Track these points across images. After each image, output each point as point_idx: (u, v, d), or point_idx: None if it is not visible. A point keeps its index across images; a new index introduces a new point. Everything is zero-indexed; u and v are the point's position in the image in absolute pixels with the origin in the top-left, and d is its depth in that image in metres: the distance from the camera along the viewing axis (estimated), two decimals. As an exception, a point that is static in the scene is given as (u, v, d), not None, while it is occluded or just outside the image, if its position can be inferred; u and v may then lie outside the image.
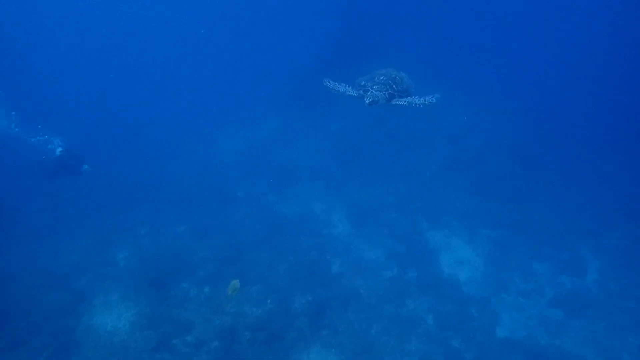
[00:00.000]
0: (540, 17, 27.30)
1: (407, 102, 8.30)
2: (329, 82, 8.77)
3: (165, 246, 14.09)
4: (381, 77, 8.22)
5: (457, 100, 20.91)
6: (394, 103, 8.18)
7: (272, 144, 19.87)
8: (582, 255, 13.79)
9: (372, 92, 8.12)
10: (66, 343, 10.88)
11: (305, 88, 21.75)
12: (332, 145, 18.75)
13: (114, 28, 31.84)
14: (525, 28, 27.33)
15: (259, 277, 12.47)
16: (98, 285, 12.62)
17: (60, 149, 14.70)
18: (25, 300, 12.14)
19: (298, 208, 15.99)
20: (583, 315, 12.00)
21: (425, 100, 8.51)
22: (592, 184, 16.14)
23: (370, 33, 26.94)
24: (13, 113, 16.19)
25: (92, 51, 29.91)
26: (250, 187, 17.27)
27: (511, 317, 12.00)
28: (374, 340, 11.01)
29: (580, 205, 15.42)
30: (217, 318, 11.26)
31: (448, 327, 11.50)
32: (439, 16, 27.81)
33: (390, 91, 8.09)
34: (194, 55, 30.67)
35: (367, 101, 8.05)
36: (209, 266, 12.90)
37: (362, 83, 8.45)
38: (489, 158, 17.27)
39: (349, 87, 8.75)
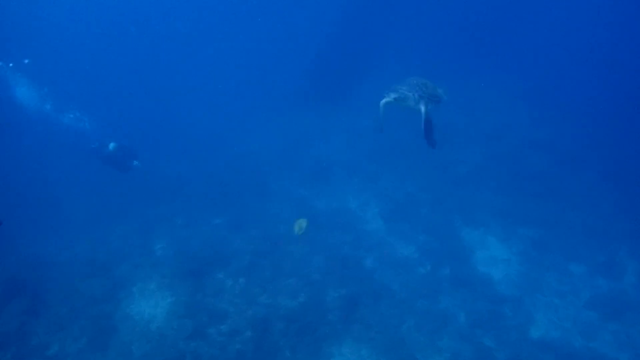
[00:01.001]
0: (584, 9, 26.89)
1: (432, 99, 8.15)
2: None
3: (202, 237, 14.32)
4: (412, 81, 8.15)
5: (493, 97, 20.74)
6: (423, 104, 8.03)
7: (307, 140, 20.01)
8: (619, 257, 13.55)
9: (400, 89, 8.03)
10: (105, 328, 11.15)
11: (340, 85, 21.90)
12: (367, 142, 18.77)
13: (155, 31, 32.42)
14: (566, 20, 26.93)
15: (292, 270, 12.60)
16: (136, 273, 12.92)
17: (113, 144, 15.05)
18: (67, 286, 12.50)
19: (332, 203, 16.08)
20: (619, 318, 11.80)
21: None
22: (631, 184, 15.79)
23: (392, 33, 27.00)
24: (45, 89, 16.52)
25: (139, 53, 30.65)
26: (285, 181, 17.44)
27: (545, 317, 11.87)
28: (405, 336, 11.01)
29: (619, 206, 15.11)
30: (250, 308, 11.41)
31: (481, 325, 11.43)
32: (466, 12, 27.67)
33: (420, 93, 8.01)
34: (232, 55, 31.01)
35: (392, 96, 7.95)
36: (244, 258, 13.08)
37: (393, 87, 8.32)
38: (526, 155, 17.07)
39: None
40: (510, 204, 15.23)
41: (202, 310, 11.34)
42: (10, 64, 15.91)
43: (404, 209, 15.33)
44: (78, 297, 12.08)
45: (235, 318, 11.18)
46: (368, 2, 27.58)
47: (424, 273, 12.98)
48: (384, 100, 7.87)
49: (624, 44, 25.28)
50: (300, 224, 9.55)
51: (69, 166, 19.83)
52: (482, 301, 12.11)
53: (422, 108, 7.89)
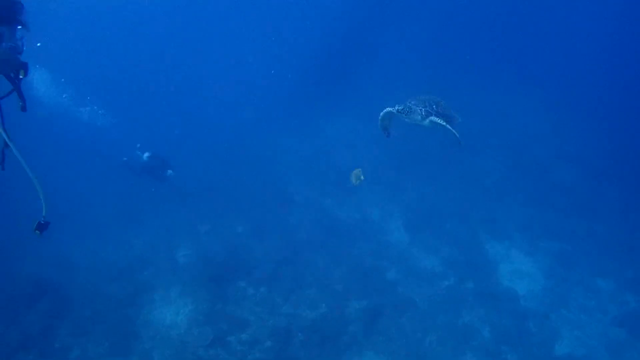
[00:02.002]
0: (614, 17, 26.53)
1: (442, 123, 7.90)
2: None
3: (224, 245, 14.32)
4: (423, 97, 8.00)
5: (518, 107, 20.50)
6: (428, 120, 7.82)
7: (329, 150, 19.95)
8: (648, 273, 13.28)
9: (407, 103, 7.88)
10: (127, 333, 11.23)
11: (363, 95, 21.86)
12: (390, 152, 18.63)
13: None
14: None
15: (314, 280, 12.55)
16: (159, 279, 12.99)
17: (147, 153, 15.18)
18: (90, 289, 12.62)
19: (355, 213, 16.00)
20: (648, 336, 11.55)
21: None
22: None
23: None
24: (62, 79, 16.54)
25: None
26: (307, 191, 17.39)
27: (571, 334, 11.64)
28: (427, 350, 10.88)
29: (647, 220, 14.83)
30: (271, 318, 11.39)
31: (505, 340, 11.24)
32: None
33: (427, 109, 7.82)
34: (258, 64, 31.11)
35: (396, 107, 7.82)
36: (266, 267, 13.04)
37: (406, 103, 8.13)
38: (552, 167, 16.84)
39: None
40: (536, 217, 15.02)
41: (223, 318, 11.34)
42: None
43: (428, 220, 15.19)
44: (101, 301, 12.17)
45: (255, 327, 11.16)
46: (389, 11, 27.65)
47: (448, 286, 12.82)
48: (386, 110, 7.78)
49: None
50: (357, 174, 9.38)
51: (96, 170, 20.09)
52: (507, 316, 11.91)
53: (427, 123, 7.74)
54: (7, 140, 4.36)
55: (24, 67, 4.41)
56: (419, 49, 28.11)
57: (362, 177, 9.36)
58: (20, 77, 4.42)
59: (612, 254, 13.77)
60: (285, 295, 12.05)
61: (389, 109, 7.78)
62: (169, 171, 15.13)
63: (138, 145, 15.46)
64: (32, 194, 4.91)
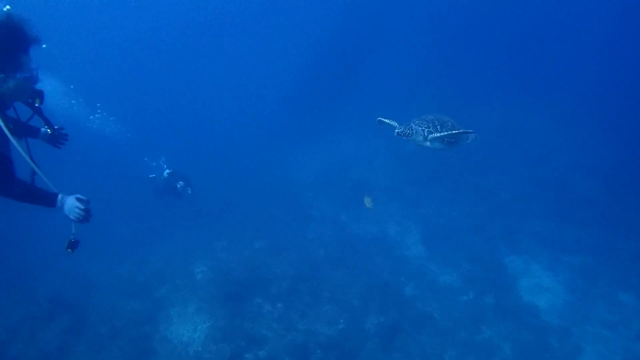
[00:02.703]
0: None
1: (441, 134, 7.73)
2: (382, 120, 8.29)
3: (242, 261, 14.28)
4: (429, 117, 7.86)
5: (535, 118, 20.32)
6: (429, 140, 7.67)
7: (346, 165, 19.93)
8: (673, 286, 12.98)
9: (411, 125, 7.75)
10: (144, 350, 11.20)
11: (378, 111, 21.81)
12: (407, 167, 18.55)
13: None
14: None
15: (332, 296, 12.44)
16: (176, 296, 12.97)
17: (168, 170, 15.26)
18: (108, 306, 12.65)
19: (372, 229, 15.90)
20: (674, 352, 11.27)
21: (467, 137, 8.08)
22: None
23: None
24: (72, 86, 16.59)
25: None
26: (324, 206, 17.36)
27: (594, 349, 11.37)
28: (447, 367, 10.75)
29: (672, 233, 14.52)
30: (289, 334, 11.29)
31: (526, 356, 11.02)
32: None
33: (430, 129, 7.66)
34: (274, 80, 31.28)
35: (396, 130, 7.71)
36: (283, 283, 12.97)
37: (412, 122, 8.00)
38: (572, 180, 16.61)
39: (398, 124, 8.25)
40: (557, 231, 14.79)
41: (240, 335, 11.26)
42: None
43: (446, 235, 15.04)
44: (118, 317, 12.18)
45: (273, 344, 11.06)
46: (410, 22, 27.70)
47: (467, 301, 12.64)
48: (396, 135, 7.66)
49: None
50: (368, 200, 9.43)
51: (114, 187, 20.23)
52: (528, 332, 11.69)
53: (429, 144, 7.61)
54: (35, 168, 4.54)
55: (40, 95, 4.58)
56: (433, 65, 28.16)
57: (370, 202, 9.43)
58: (36, 105, 4.58)
59: (635, 267, 13.46)
60: (303, 312, 11.96)
61: (397, 130, 7.69)
62: (188, 189, 15.18)
63: (163, 158, 15.55)
64: (50, 213, 5.00)
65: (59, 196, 4.67)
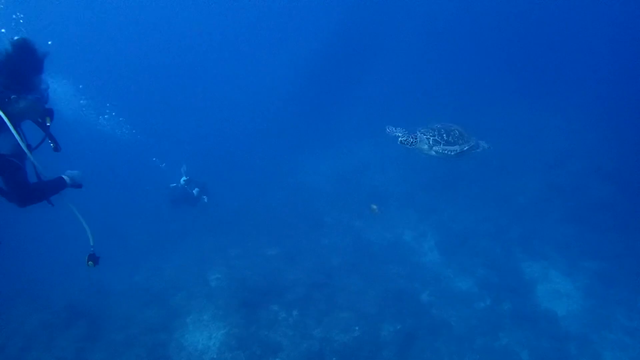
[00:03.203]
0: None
1: (448, 152, 7.60)
2: (389, 128, 8.19)
3: (256, 268, 14.28)
4: (436, 125, 7.74)
5: (552, 122, 20.13)
6: (434, 150, 7.55)
7: (360, 172, 19.92)
8: (695, 292, 12.75)
9: (416, 133, 7.63)
10: (159, 358, 11.18)
11: (393, 115, 21.77)
12: (422, 172, 18.47)
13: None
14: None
15: (347, 303, 12.35)
16: (191, 303, 12.96)
17: (185, 177, 15.30)
18: (123, 313, 12.69)
19: (387, 235, 15.84)
20: (696, 358, 11.06)
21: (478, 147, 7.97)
22: None
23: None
24: (80, 86, 16.57)
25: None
26: (338, 213, 17.35)
27: (614, 356, 11.18)
28: (464, 375, 10.63)
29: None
30: (304, 342, 11.22)
31: (545, 364, 10.91)
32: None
33: (436, 138, 7.51)
34: (286, 86, 31.32)
35: (399, 139, 7.63)
36: (298, 290, 12.93)
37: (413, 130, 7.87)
38: (590, 185, 16.39)
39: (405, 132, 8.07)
40: (574, 236, 14.61)
41: (256, 342, 11.21)
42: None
43: (462, 240, 14.93)
44: (134, 325, 12.20)
45: (288, 351, 11.00)
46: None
47: (484, 308, 12.51)
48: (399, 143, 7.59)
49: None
50: (374, 209, 9.35)
51: (129, 194, 20.36)
52: (546, 338, 11.53)
53: (433, 153, 7.51)
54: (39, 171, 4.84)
55: (50, 114, 4.90)
56: (447, 70, 28.06)
57: (376, 210, 9.35)
58: (47, 124, 4.89)
59: (655, 273, 13.31)
60: (318, 319, 11.88)
61: (401, 138, 7.62)
62: (204, 197, 15.17)
63: (184, 167, 15.58)
64: (68, 222, 5.10)
65: (65, 176, 5.24)
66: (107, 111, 17.06)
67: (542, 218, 15.36)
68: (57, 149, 5.09)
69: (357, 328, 11.54)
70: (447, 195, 17.09)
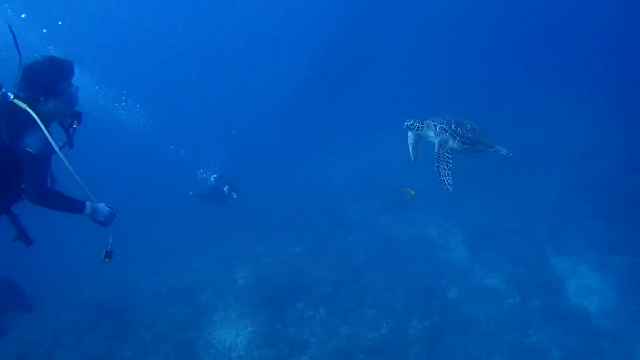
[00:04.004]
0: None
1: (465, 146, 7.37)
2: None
3: (282, 266, 14.32)
4: (449, 116, 7.54)
5: (581, 114, 19.78)
6: (437, 141, 7.33)
7: (383, 167, 19.79)
8: None
9: (426, 121, 7.46)
10: (188, 355, 11.26)
11: (413, 111, 21.62)
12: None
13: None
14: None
15: (374, 300, 12.30)
16: (218, 301, 13.06)
17: (215, 175, 15.35)
18: (151, 311, 12.84)
19: (413, 231, 15.71)
20: None
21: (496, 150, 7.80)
22: None
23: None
24: (95, 70, 16.57)
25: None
26: (363, 209, 17.28)
27: (648, 352, 10.98)
28: (494, 372, 10.49)
29: None
30: (331, 339, 11.19)
31: (576, 361, 10.71)
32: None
33: (444, 126, 7.28)
34: (308, 84, 31.24)
35: (406, 122, 7.47)
36: (325, 287, 12.91)
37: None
38: (620, 179, 16.03)
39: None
40: (605, 231, 14.28)
41: (283, 340, 11.22)
42: (44, 30, 15.60)
43: (490, 236, 14.72)
44: (162, 323, 12.33)
45: (316, 349, 10.98)
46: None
47: (513, 304, 12.32)
48: (405, 127, 7.45)
49: None
50: (409, 191, 9.16)
51: (156, 193, 20.51)
52: (577, 335, 11.31)
53: (437, 142, 7.35)
54: (79, 180, 4.82)
55: (78, 116, 5.01)
56: (474, 62, 27.78)
57: (411, 192, 9.12)
58: (74, 126, 4.99)
59: (689, 267, 12.98)
60: (345, 316, 11.85)
61: (407, 122, 7.49)
62: (233, 194, 15.19)
63: (216, 167, 15.63)
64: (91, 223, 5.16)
65: (88, 203, 4.97)
66: (123, 98, 17.12)
67: (571, 213, 15.06)
68: (71, 146, 5.11)
69: (384, 325, 11.48)
70: (472, 190, 16.85)
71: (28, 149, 4.44)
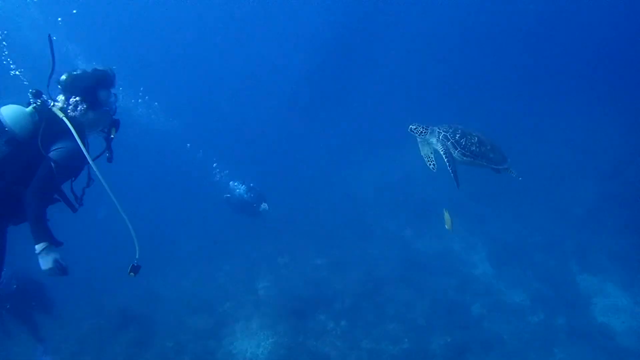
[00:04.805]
0: None
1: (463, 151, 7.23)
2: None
3: (304, 277, 14.32)
4: (460, 126, 7.43)
5: (608, 130, 19.51)
6: (442, 145, 7.22)
7: (406, 180, 19.70)
8: None
9: (431, 127, 7.38)
10: (209, 365, 11.30)
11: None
12: (471, 181, 18.02)
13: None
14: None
15: (396, 314, 12.22)
16: (239, 311, 13.08)
17: (243, 187, 15.37)
18: (173, 320, 12.92)
19: (436, 246, 15.59)
20: None
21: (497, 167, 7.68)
22: None
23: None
24: (114, 67, 16.63)
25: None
26: (387, 223, 17.19)
27: (676, 374, 10.74)
28: (517, 391, 10.34)
29: None
30: (352, 353, 11.12)
31: (602, 381, 10.51)
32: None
33: (447, 135, 7.14)
34: (331, 96, 31.19)
35: (410, 126, 7.39)
36: (346, 300, 12.86)
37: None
38: (650, 195, 15.79)
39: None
40: (633, 248, 14.03)
41: (304, 352, 11.19)
42: (59, 19, 15.62)
43: (514, 252, 14.53)
44: (184, 331, 12.38)
45: (337, 362, 10.94)
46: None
47: (538, 322, 12.13)
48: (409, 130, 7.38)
49: None
50: (447, 219, 8.95)
51: (179, 199, 20.64)
52: (603, 355, 11.09)
53: (441, 150, 7.26)
54: (110, 195, 4.81)
55: (116, 125, 5.15)
56: (503, 74, 27.59)
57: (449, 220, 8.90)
58: (112, 135, 5.12)
59: None
60: (367, 330, 11.77)
61: (411, 125, 7.43)
62: (263, 204, 15.10)
63: (251, 184, 15.64)
64: (121, 229, 5.19)
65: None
66: (140, 94, 17.13)
67: (598, 229, 14.82)
68: (110, 159, 5.21)
69: (406, 340, 11.39)
70: (496, 205, 16.71)
71: (51, 155, 4.54)
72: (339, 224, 17.20)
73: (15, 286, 10.45)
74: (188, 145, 17.75)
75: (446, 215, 8.53)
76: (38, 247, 4.39)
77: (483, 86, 27.12)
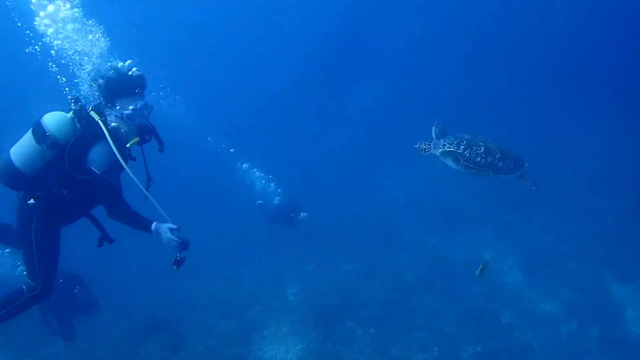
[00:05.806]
0: None
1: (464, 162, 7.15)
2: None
3: (332, 284, 14.35)
4: (465, 135, 7.34)
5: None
6: (441, 151, 7.15)
7: (436, 187, 19.60)
8: None
9: (434, 141, 7.32)
10: (239, 371, 11.40)
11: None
12: (500, 188, 17.90)
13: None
14: None
15: (424, 322, 12.16)
16: (269, 317, 13.13)
17: (278, 198, 15.41)
18: (203, 325, 13.03)
19: (465, 253, 15.46)
20: None
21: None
22: None
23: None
24: (130, 61, 16.65)
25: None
26: (414, 229, 17.12)
27: None
28: (549, 401, 10.20)
29: None
30: (381, 361, 11.12)
31: (636, 394, 10.32)
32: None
33: (451, 148, 7.07)
34: (362, 101, 31.17)
35: (414, 146, 7.36)
36: (374, 307, 12.84)
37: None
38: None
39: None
40: (668, 258, 13.80)
41: (334, 359, 11.18)
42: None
43: (545, 261, 14.33)
44: (213, 336, 12.49)
45: (363, 372, 10.92)
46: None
47: (569, 332, 11.94)
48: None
49: None
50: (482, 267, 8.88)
51: (208, 205, 20.80)
52: (637, 366, 10.94)
53: (450, 163, 7.19)
54: (148, 195, 5.10)
55: (141, 134, 5.01)
56: (536, 80, 27.35)
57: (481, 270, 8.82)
58: (127, 145, 4.94)
59: None
60: (395, 338, 11.72)
61: (416, 145, 7.41)
62: (302, 213, 15.09)
63: (279, 190, 15.67)
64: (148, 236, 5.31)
65: (153, 225, 5.37)
66: (161, 86, 17.06)
67: (632, 238, 14.52)
68: (161, 150, 5.30)
69: (435, 349, 11.31)
70: (526, 212, 16.53)
71: (91, 167, 4.69)
72: (366, 230, 17.18)
73: (61, 280, 10.60)
74: (209, 139, 17.44)
75: (483, 265, 8.48)
76: (153, 227, 5.34)
77: (513, 91, 26.94)
